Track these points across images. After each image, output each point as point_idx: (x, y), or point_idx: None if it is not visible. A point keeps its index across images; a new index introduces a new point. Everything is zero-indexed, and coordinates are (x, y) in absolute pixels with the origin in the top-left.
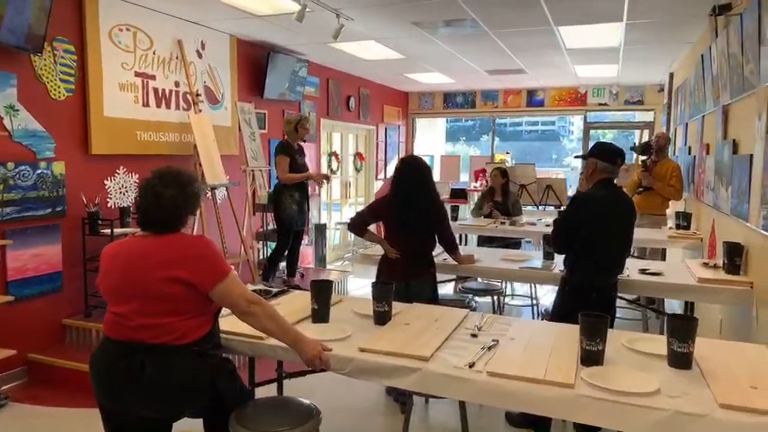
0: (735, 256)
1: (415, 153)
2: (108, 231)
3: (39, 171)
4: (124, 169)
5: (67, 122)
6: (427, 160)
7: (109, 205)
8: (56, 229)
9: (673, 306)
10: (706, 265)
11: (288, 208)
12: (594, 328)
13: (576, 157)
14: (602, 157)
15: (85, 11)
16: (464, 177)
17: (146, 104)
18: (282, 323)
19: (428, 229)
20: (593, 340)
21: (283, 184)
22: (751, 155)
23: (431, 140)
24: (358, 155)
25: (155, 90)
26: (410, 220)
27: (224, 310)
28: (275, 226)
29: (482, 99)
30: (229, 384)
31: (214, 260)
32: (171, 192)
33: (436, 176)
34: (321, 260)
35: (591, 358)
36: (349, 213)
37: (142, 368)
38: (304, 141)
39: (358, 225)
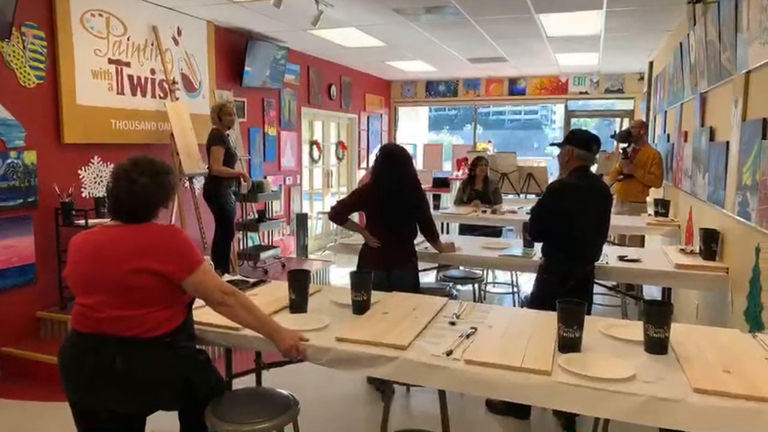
0: (711, 243)
1: (398, 142)
2: (82, 221)
3: (9, 160)
4: (99, 159)
5: (38, 110)
6: (409, 148)
7: (83, 195)
8: (28, 220)
9: (652, 292)
10: (683, 251)
11: (229, 199)
12: (571, 315)
13: (552, 144)
14: (578, 144)
15: None
16: (447, 166)
17: (121, 92)
18: (258, 314)
19: (409, 218)
20: (570, 327)
21: (219, 176)
22: (728, 142)
23: (414, 129)
24: (339, 144)
25: (130, 77)
26: (391, 209)
27: (198, 301)
28: (217, 218)
29: (464, 88)
30: (202, 376)
31: (185, 250)
32: (144, 180)
33: (419, 165)
34: (303, 250)
35: (568, 344)
36: (331, 202)
37: (112, 362)
38: (230, 128)
39: (339, 214)
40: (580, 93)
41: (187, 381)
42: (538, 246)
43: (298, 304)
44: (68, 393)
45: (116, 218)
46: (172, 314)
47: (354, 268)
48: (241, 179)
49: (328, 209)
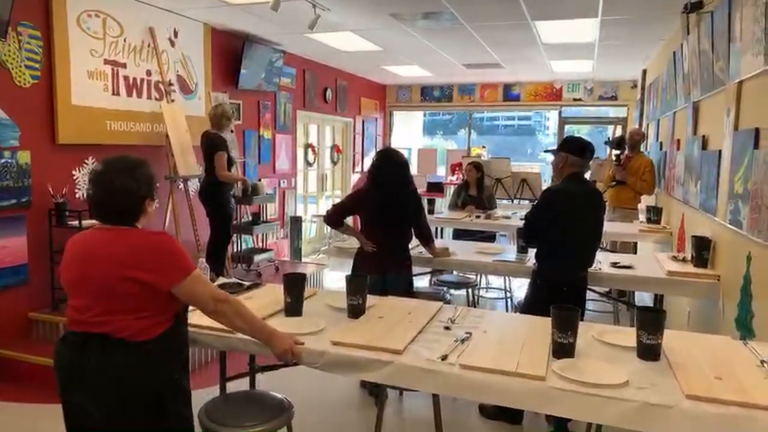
0: (703, 250)
1: (393, 146)
2: (76, 222)
3: (3, 160)
4: (93, 160)
5: (32, 110)
6: (404, 153)
7: (77, 196)
8: (21, 221)
9: (644, 299)
10: (675, 258)
11: (229, 203)
12: (565, 320)
13: (546, 151)
14: (572, 151)
15: None
16: (441, 171)
17: (116, 93)
18: (251, 320)
19: (405, 222)
20: (564, 333)
21: (221, 181)
22: (720, 151)
23: (408, 133)
24: (334, 147)
25: (126, 78)
26: (387, 213)
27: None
28: (215, 222)
29: (459, 93)
30: (175, 401)
31: (173, 258)
32: (122, 178)
33: (413, 170)
34: (296, 253)
35: (562, 350)
36: (325, 206)
37: (89, 360)
38: (224, 131)
39: (334, 218)
40: (574, 100)
41: (158, 398)
42: (531, 251)
43: (293, 308)
44: (59, 393)
45: (103, 222)
46: (157, 323)
47: (348, 272)
48: (241, 183)
49: (322, 213)
